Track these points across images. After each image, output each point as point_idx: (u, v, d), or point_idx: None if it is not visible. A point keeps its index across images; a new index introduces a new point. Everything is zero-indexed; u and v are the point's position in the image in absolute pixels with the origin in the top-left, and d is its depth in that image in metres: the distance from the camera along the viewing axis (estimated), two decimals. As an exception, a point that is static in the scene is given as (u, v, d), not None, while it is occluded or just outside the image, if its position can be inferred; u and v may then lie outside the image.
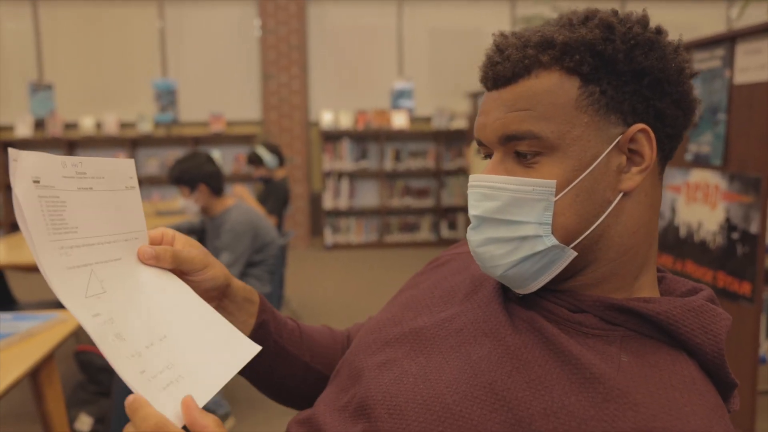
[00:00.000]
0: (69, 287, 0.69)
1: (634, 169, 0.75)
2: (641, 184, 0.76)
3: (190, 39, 7.88)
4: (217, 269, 0.87)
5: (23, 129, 7.64)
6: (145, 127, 7.74)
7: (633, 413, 0.65)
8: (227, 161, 7.94)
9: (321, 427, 0.85)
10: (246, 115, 7.95)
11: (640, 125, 0.74)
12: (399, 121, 7.84)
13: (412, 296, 0.95)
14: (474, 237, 0.79)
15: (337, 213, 7.98)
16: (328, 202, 7.83)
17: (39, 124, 7.76)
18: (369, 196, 8.10)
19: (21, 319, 1.79)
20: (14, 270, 3.32)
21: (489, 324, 0.80)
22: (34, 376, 1.94)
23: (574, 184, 0.73)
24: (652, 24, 0.78)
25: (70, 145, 7.72)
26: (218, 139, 7.91)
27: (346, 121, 7.88)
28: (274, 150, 4.91)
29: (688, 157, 2.73)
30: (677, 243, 2.82)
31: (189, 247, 0.85)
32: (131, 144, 7.75)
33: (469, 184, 0.80)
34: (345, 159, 7.84)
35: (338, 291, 5.64)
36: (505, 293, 0.84)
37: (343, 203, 7.88)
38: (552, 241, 0.74)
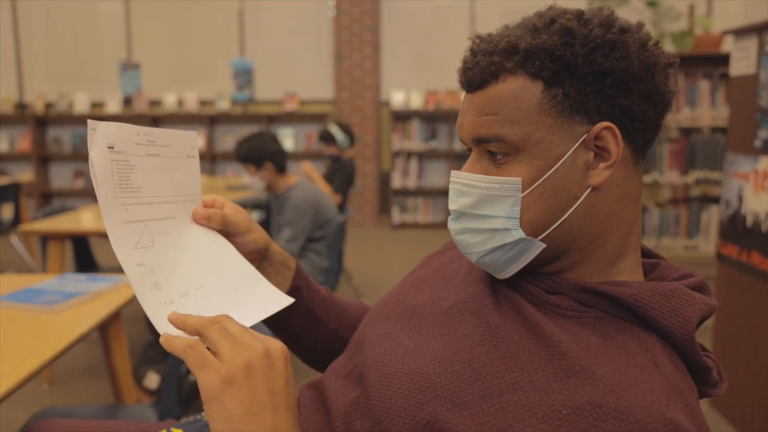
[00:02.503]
0: (122, 238, 0.79)
1: (602, 165, 0.79)
2: (611, 178, 0.80)
3: (267, 20, 8.11)
4: (258, 234, 1.01)
5: (113, 106, 8.06)
6: (223, 105, 8.04)
7: (591, 388, 0.69)
8: (299, 139, 8.17)
9: (325, 392, 0.93)
10: (318, 94, 8.15)
11: (604, 123, 0.77)
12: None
13: (420, 276, 1.03)
14: (453, 226, 0.85)
15: (405, 192, 8.10)
16: (396, 182, 7.96)
17: (127, 101, 8.18)
18: (437, 176, 8.19)
19: (93, 281, 2.00)
20: (98, 237, 3.57)
21: (476, 303, 0.86)
22: (104, 332, 2.16)
23: (539, 182, 0.78)
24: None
25: (154, 121, 8.10)
26: (291, 118, 8.14)
27: (416, 101, 7.96)
28: (346, 129, 5.06)
29: (758, 143, 2.60)
30: (743, 233, 2.71)
31: (236, 213, 0.99)
32: (209, 121, 8.07)
33: (450, 179, 0.86)
34: (414, 139, 7.93)
35: (403, 269, 5.73)
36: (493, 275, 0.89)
37: (411, 183, 7.99)
38: (520, 234, 0.80)
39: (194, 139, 0.96)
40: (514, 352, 0.77)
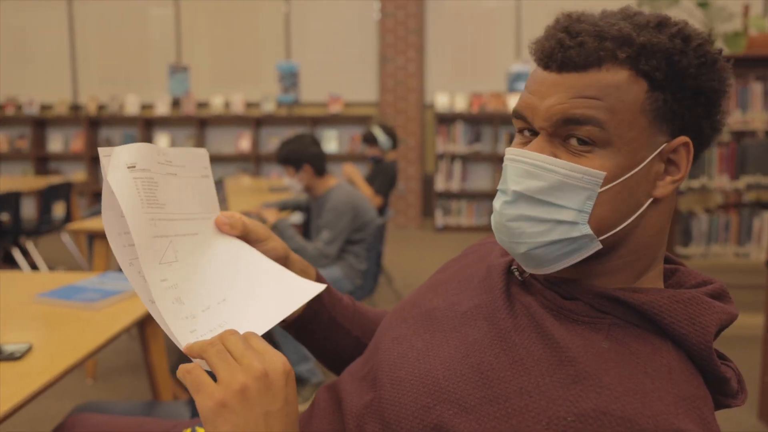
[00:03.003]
0: (149, 253, 0.79)
1: (668, 179, 0.78)
2: (671, 193, 0.79)
3: (312, 23, 8.19)
4: (277, 242, 1.03)
5: (162, 107, 8.23)
6: (269, 107, 8.14)
7: (596, 395, 0.69)
8: (343, 141, 8.22)
9: (341, 394, 0.94)
10: (363, 96, 8.19)
11: (685, 138, 0.77)
12: (515, 104, 7.78)
13: (438, 280, 1.02)
14: (507, 210, 0.79)
15: (448, 195, 8.08)
16: (440, 184, 7.94)
17: (175, 103, 8.33)
18: (481, 179, 8.15)
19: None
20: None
21: (489, 308, 0.86)
22: (142, 330, 2.21)
23: (620, 180, 0.75)
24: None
25: (201, 122, 8.25)
26: (335, 120, 8.20)
27: (460, 104, 7.94)
28: (389, 132, 5.07)
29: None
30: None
31: (254, 223, 1.01)
32: (255, 123, 8.17)
33: (509, 156, 0.80)
34: (458, 142, 7.91)
35: (443, 271, 5.72)
36: (509, 277, 0.89)
37: (455, 186, 7.97)
38: (587, 230, 0.76)
39: (206, 158, 0.97)
40: (522, 357, 0.77)
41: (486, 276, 0.93)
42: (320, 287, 0.97)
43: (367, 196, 4.58)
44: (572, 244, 0.77)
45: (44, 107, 8.56)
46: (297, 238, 3.35)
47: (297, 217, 4.67)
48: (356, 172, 4.86)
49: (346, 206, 3.37)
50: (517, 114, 0.81)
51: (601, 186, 0.75)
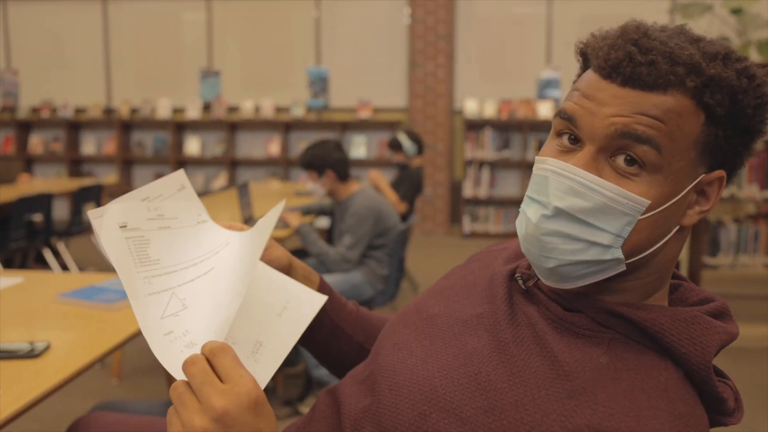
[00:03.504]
0: (146, 311, 0.79)
1: (697, 209, 0.78)
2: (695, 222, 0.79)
3: (342, 28, 8.23)
4: (279, 250, 1.06)
5: (193, 112, 8.34)
6: (298, 112, 8.20)
7: (591, 411, 0.69)
8: (372, 147, 8.24)
9: (340, 398, 0.94)
10: (392, 102, 8.21)
11: (722, 173, 0.77)
12: (544, 111, 7.76)
13: (441, 286, 1.02)
14: (545, 224, 0.76)
15: (476, 201, 8.05)
16: (468, 191, 7.92)
17: (206, 107, 8.43)
18: (509, 186, 8.11)
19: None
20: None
21: (491, 318, 0.86)
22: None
23: (660, 209, 0.74)
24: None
25: (231, 126, 8.34)
26: (364, 125, 8.23)
27: (489, 110, 7.91)
28: (415, 138, 5.08)
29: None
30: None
31: None
32: (284, 127, 8.23)
33: (552, 168, 0.77)
34: (487, 148, 7.88)
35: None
36: (511, 285, 0.89)
37: (483, 192, 7.93)
38: (618, 254, 0.75)
39: (198, 208, 0.97)
40: (520, 369, 0.77)
41: (489, 284, 0.93)
42: (323, 298, 0.98)
43: (391, 201, 4.59)
44: (600, 266, 0.76)
45: (78, 110, 8.73)
46: (319, 242, 3.37)
47: (324, 222, 4.70)
48: (382, 178, 4.87)
49: (368, 211, 3.38)
50: (566, 115, 0.78)
51: (643, 213, 0.74)
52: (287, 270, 1.07)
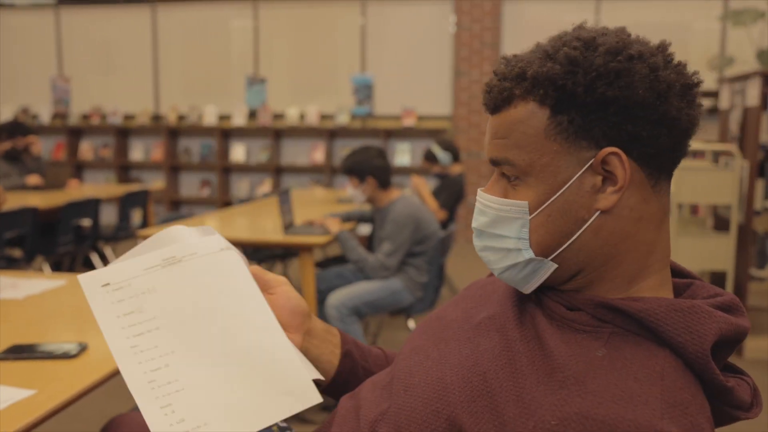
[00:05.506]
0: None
1: (610, 189, 0.80)
2: (622, 201, 0.80)
3: (388, 35, 8.25)
4: (294, 294, 1.02)
5: (239, 119, 8.44)
6: (343, 119, 8.23)
7: (580, 400, 0.71)
8: (416, 154, 8.22)
9: (360, 402, 0.96)
10: (436, 110, 8.18)
11: (610, 149, 0.78)
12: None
13: (463, 295, 1.05)
14: (476, 243, 0.90)
15: (520, 210, 7.95)
16: (511, 199, 7.83)
17: (252, 115, 8.53)
18: (554, 194, 8.00)
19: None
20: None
21: (501, 319, 0.89)
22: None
23: (545, 205, 0.81)
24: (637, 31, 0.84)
25: (276, 133, 8.41)
26: (409, 133, 8.22)
27: (534, 119, 7.83)
28: (447, 147, 5.06)
29: None
30: None
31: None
32: (329, 134, 8.27)
33: (477, 196, 0.90)
34: (531, 156, 7.79)
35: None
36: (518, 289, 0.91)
37: (527, 200, 7.84)
38: (530, 254, 0.83)
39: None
40: (523, 365, 0.80)
41: (505, 288, 0.96)
42: (316, 399, 0.91)
43: (432, 209, 4.57)
44: (526, 268, 0.84)
45: (127, 117, 8.91)
46: (358, 249, 3.37)
47: (366, 229, 4.70)
48: (423, 185, 4.85)
49: (407, 219, 3.37)
50: None
51: (530, 213, 0.82)
52: (307, 319, 1.03)
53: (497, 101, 0.83)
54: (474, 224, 0.89)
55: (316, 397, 0.90)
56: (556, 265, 0.83)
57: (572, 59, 0.79)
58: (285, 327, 0.96)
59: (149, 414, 0.82)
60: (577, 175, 0.80)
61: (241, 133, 8.67)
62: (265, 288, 0.99)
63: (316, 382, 0.93)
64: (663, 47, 0.82)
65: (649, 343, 0.77)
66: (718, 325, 0.76)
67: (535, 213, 0.82)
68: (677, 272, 0.92)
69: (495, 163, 0.85)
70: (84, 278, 0.88)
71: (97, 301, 0.87)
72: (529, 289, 0.87)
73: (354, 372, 1.09)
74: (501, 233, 0.85)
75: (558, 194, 0.81)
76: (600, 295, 0.83)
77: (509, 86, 0.82)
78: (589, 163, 0.79)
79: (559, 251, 0.82)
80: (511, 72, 0.82)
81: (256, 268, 1.01)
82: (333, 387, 1.08)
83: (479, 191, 0.89)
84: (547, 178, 0.81)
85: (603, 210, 0.80)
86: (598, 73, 0.77)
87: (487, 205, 0.87)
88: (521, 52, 0.87)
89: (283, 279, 1.03)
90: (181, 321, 0.91)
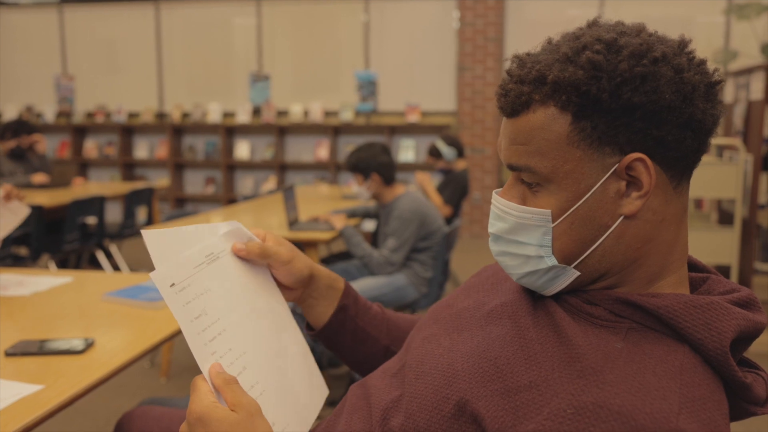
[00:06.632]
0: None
1: (635, 194, 0.78)
2: (645, 205, 0.78)
3: (391, 32, 8.25)
4: (301, 263, 1.07)
5: (243, 116, 8.45)
6: (347, 116, 8.24)
7: (597, 390, 0.70)
8: (420, 150, 8.23)
9: (370, 390, 0.97)
10: (440, 105, 8.18)
11: (635, 155, 0.76)
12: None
13: (472, 282, 1.05)
14: (493, 248, 0.88)
15: (525, 205, 7.95)
16: (516, 194, 7.82)
17: (256, 112, 8.54)
18: (559, 189, 7.99)
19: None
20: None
21: (513, 306, 0.89)
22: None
23: (568, 213, 0.79)
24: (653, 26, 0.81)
25: (281, 130, 8.42)
26: (413, 129, 8.22)
27: (538, 114, 7.82)
28: (452, 142, 5.05)
29: None
30: None
31: (278, 245, 1.04)
32: (333, 131, 8.28)
33: (492, 200, 0.88)
34: (536, 152, 7.78)
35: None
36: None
37: (531, 196, 7.83)
38: (553, 261, 0.81)
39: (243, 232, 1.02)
40: (537, 352, 0.79)
41: None
42: (326, 391, 1.02)
43: (436, 205, 4.57)
44: (547, 274, 0.83)
45: (131, 115, 8.93)
46: (363, 245, 3.37)
47: (370, 225, 4.70)
48: (428, 181, 4.85)
49: (412, 214, 3.37)
50: None
51: (552, 221, 0.80)
52: (308, 281, 1.09)
53: (515, 105, 0.80)
54: (491, 229, 0.87)
55: (326, 390, 0.99)
56: (578, 273, 0.81)
57: (596, 64, 0.76)
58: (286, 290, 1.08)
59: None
60: (601, 182, 0.78)
61: (245, 130, 8.68)
62: (272, 265, 1.04)
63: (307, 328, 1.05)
64: (683, 44, 0.79)
65: (668, 339, 0.76)
66: (737, 321, 0.75)
67: (558, 221, 0.80)
68: (693, 266, 0.91)
69: (514, 169, 0.82)
70: (156, 277, 0.84)
71: (173, 305, 0.84)
72: (549, 292, 0.85)
73: (344, 325, 1.13)
74: (522, 240, 0.83)
75: (581, 201, 0.78)
76: (621, 292, 0.81)
77: (528, 90, 0.79)
78: (613, 169, 0.77)
79: (581, 258, 0.81)
80: (528, 75, 0.80)
81: (259, 245, 1.01)
82: (322, 336, 1.15)
83: (495, 195, 0.87)
84: (570, 185, 0.78)
85: (627, 215, 0.78)
86: (624, 78, 0.75)
87: (506, 211, 0.84)
88: (533, 50, 0.84)
89: (285, 254, 1.04)
90: (238, 321, 0.91)
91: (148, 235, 0.86)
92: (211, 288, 0.90)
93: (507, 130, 0.83)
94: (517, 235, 0.83)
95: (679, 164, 0.79)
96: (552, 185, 0.79)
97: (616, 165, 0.77)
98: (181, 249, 0.89)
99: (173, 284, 0.85)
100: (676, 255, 0.83)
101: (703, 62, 0.79)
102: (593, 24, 0.85)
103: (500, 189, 0.87)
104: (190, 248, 0.91)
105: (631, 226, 0.79)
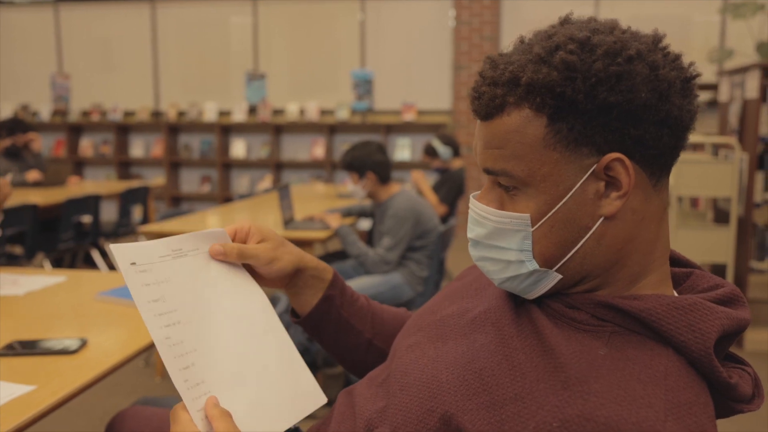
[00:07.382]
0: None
1: (614, 195, 0.76)
2: (625, 204, 0.77)
3: (387, 30, 8.24)
4: (284, 261, 1.04)
5: (239, 114, 8.44)
6: (343, 115, 8.23)
7: (583, 401, 0.69)
8: (416, 149, 8.22)
9: (355, 399, 0.96)
10: (436, 104, 8.18)
11: (613, 155, 0.75)
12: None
13: (455, 287, 1.04)
14: (473, 253, 0.86)
15: (521, 204, 7.95)
16: (512, 193, 7.83)
17: (252, 110, 8.52)
18: (555, 188, 8.00)
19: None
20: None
21: (497, 313, 0.87)
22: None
23: (547, 216, 0.77)
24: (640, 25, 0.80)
25: (277, 129, 8.41)
26: (409, 128, 8.22)
27: (535, 113, 7.82)
28: (448, 141, 5.06)
29: None
30: None
31: (259, 244, 1.02)
32: (329, 130, 8.27)
33: (469, 205, 0.86)
34: (532, 150, 7.78)
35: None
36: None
37: (527, 195, 7.84)
38: (534, 265, 0.80)
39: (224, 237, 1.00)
40: (521, 362, 0.78)
41: None
42: (322, 399, 0.99)
43: (432, 203, 4.57)
44: (529, 278, 0.81)
45: (127, 114, 8.91)
46: (358, 244, 3.37)
47: (366, 224, 4.70)
48: (423, 179, 4.85)
49: (407, 213, 3.36)
50: None
51: (531, 225, 0.78)
52: (295, 273, 1.08)
53: (489, 108, 0.78)
54: (470, 234, 0.85)
55: (322, 398, 0.96)
56: (560, 276, 0.80)
57: (570, 64, 0.74)
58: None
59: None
60: (580, 183, 0.76)
61: (241, 129, 8.67)
62: (253, 265, 1.02)
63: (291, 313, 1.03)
64: (657, 40, 0.78)
65: (652, 343, 0.75)
66: (720, 321, 0.74)
67: (538, 225, 0.78)
68: (677, 261, 0.91)
69: (490, 173, 0.80)
70: (117, 249, 0.84)
71: (130, 279, 0.84)
72: (532, 296, 0.84)
73: (328, 315, 1.12)
74: (501, 245, 0.81)
75: (560, 204, 0.77)
76: (607, 295, 0.80)
77: (501, 93, 0.77)
78: (591, 170, 0.76)
79: (562, 261, 0.79)
80: (501, 77, 0.78)
81: (238, 248, 0.99)
82: (306, 324, 1.13)
83: (472, 199, 0.85)
84: (548, 188, 0.77)
85: (607, 216, 0.77)
86: (599, 78, 0.73)
87: (484, 216, 0.83)
88: (505, 50, 0.82)
89: (265, 256, 1.02)
90: (197, 318, 0.90)
91: (116, 248, 0.87)
92: (172, 280, 0.90)
93: (482, 134, 0.81)
94: (496, 240, 0.82)
95: (657, 162, 0.77)
96: (530, 189, 0.78)
97: (594, 166, 0.76)
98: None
99: (134, 263, 0.86)
100: (657, 253, 0.82)
101: (677, 57, 0.78)
102: (565, 21, 0.83)
103: (478, 193, 0.85)
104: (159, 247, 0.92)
105: (611, 227, 0.78)
